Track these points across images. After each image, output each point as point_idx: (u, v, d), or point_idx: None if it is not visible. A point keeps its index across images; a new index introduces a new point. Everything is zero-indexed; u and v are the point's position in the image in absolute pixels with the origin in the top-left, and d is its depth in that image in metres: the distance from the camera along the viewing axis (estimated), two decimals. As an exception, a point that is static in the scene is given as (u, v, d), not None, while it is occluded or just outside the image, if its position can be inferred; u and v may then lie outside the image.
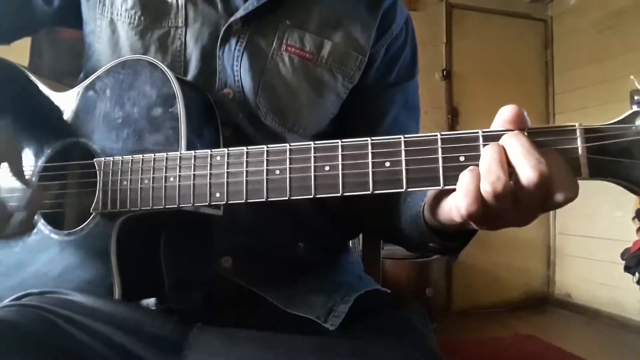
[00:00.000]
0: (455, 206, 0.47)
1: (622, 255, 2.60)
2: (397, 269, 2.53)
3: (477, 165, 0.46)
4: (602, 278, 3.27)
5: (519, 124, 0.46)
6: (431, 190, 0.54)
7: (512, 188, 0.43)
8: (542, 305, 3.68)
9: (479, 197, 0.44)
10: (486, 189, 0.43)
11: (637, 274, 2.47)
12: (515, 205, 0.44)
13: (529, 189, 0.43)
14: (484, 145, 0.46)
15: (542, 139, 0.45)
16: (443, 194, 0.51)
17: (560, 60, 3.79)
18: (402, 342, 0.60)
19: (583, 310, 3.42)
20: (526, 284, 3.70)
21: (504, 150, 0.44)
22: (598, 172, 0.44)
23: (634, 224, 2.62)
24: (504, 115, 0.46)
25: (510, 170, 0.44)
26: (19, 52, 0.83)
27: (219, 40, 0.70)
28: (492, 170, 0.43)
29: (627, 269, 2.54)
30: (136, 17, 0.72)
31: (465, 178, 0.45)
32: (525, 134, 0.45)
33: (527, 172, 0.42)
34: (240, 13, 0.70)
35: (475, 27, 3.70)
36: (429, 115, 3.37)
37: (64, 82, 0.76)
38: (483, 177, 0.44)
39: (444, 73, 3.56)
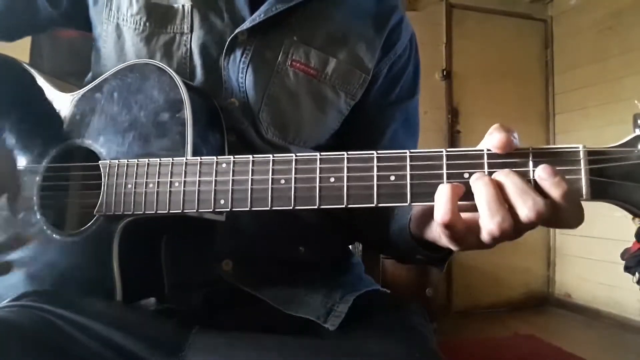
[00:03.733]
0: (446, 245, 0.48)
1: (622, 255, 2.61)
2: (397, 269, 2.53)
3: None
4: (602, 278, 3.27)
5: (507, 150, 0.46)
6: (417, 206, 0.55)
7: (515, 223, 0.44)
8: (542, 305, 3.68)
9: (454, 209, 0.45)
10: (492, 230, 0.44)
11: (637, 274, 2.47)
12: (513, 233, 0.45)
13: (528, 225, 0.44)
14: (489, 163, 0.47)
15: (545, 159, 0.45)
16: (431, 212, 0.51)
17: (560, 60, 3.79)
18: (402, 342, 0.60)
19: (583, 310, 3.42)
20: (526, 284, 3.70)
21: (499, 188, 0.44)
22: (600, 194, 0.44)
23: (634, 224, 2.62)
24: (493, 141, 0.46)
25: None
26: (19, 52, 0.83)
27: (224, 50, 0.70)
28: (494, 210, 0.44)
29: (627, 269, 2.54)
30: (141, 23, 0.71)
31: (442, 192, 0.45)
32: (530, 153, 0.46)
33: (525, 212, 0.43)
34: (247, 25, 0.70)
35: (475, 27, 3.69)
36: (429, 115, 3.36)
37: (68, 81, 0.76)
38: (485, 217, 0.44)
39: (444, 73, 3.55)
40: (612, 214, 3.02)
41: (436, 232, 0.51)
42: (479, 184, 0.45)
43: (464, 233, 0.46)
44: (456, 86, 3.61)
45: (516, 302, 3.60)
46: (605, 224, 3.14)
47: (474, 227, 0.46)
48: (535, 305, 3.63)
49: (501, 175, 0.45)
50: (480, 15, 3.72)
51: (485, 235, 0.45)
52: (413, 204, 0.48)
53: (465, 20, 3.67)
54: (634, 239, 2.58)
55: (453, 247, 0.49)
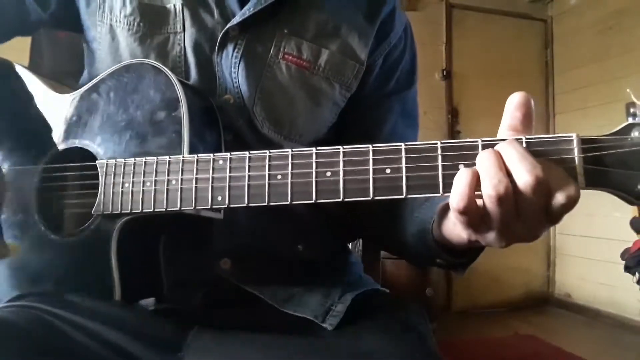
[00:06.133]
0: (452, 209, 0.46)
1: (622, 255, 2.61)
2: (397, 269, 2.53)
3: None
4: (602, 278, 3.28)
5: (527, 109, 0.46)
6: (439, 207, 0.55)
7: (513, 193, 0.43)
8: (542, 305, 3.68)
9: (471, 195, 0.44)
10: (489, 194, 0.43)
11: (637, 274, 2.47)
12: (517, 213, 0.44)
13: (527, 194, 0.43)
14: None
15: (539, 148, 0.45)
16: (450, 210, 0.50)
17: (560, 60, 3.80)
18: (401, 342, 0.60)
19: (583, 310, 3.43)
20: (526, 284, 3.71)
21: (500, 156, 0.45)
22: (594, 182, 0.44)
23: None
24: (513, 100, 0.47)
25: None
26: (19, 52, 0.83)
27: (216, 47, 0.70)
28: (492, 174, 0.43)
29: (627, 269, 2.54)
30: (135, 24, 0.71)
31: (461, 177, 0.45)
32: (524, 142, 0.45)
33: (524, 176, 0.43)
34: (236, 19, 0.69)
35: (475, 27, 3.70)
36: (428, 115, 3.37)
37: (64, 83, 0.76)
38: (484, 182, 0.44)
39: (444, 73, 3.56)
40: (612, 214, 3.03)
41: (457, 226, 0.49)
42: (481, 155, 0.45)
43: (480, 221, 0.46)
44: (456, 86, 3.62)
45: (516, 302, 3.60)
46: (605, 224, 3.16)
47: (488, 217, 0.45)
48: (535, 305, 3.64)
49: (504, 143, 0.45)
50: (480, 15, 3.72)
51: (486, 201, 0.44)
52: (409, 196, 0.48)
53: (465, 20, 3.67)
54: (633, 239, 2.58)
55: (468, 236, 0.48)
